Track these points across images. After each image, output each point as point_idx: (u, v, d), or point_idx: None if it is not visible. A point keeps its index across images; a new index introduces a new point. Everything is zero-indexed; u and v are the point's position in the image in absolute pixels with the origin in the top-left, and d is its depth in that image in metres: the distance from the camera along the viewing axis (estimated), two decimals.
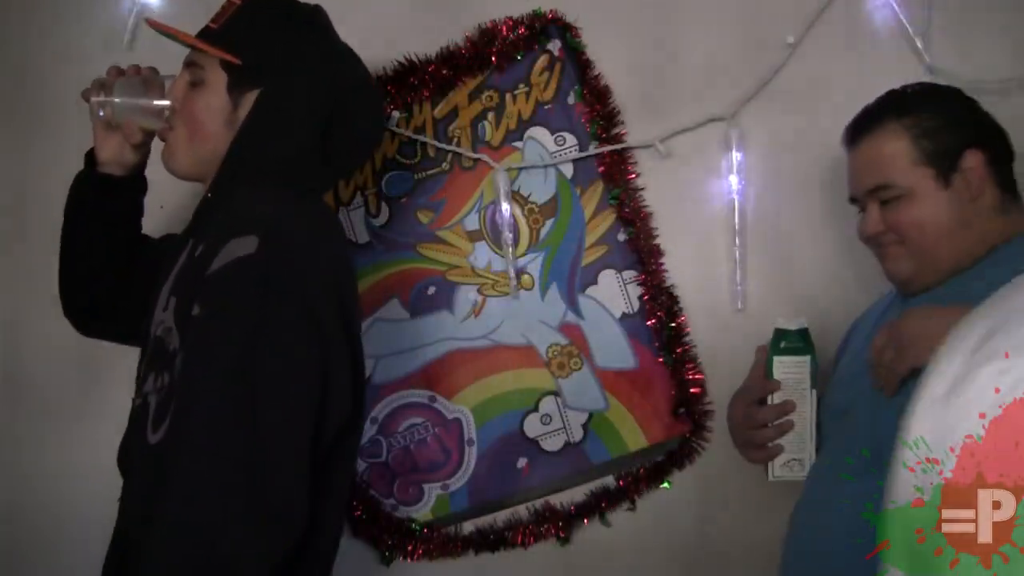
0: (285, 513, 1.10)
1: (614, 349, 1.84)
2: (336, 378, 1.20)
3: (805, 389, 1.46)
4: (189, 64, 1.35)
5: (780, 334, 1.47)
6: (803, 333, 1.47)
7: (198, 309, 1.16)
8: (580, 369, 1.85)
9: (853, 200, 1.47)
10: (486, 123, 1.87)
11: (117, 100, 1.42)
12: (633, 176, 1.84)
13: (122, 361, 1.64)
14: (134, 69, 1.45)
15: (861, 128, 1.42)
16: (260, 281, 1.14)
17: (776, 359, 1.47)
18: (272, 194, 1.26)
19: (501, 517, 1.86)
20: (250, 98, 1.31)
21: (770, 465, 1.47)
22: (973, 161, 1.34)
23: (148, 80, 1.43)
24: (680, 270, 1.83)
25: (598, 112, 1.83)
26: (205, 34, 1.33)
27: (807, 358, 1.45)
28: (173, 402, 1.19)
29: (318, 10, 1.38)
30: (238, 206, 1.24)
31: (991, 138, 1.38)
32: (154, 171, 1.52)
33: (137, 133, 1.43)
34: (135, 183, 1.52)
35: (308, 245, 1.21)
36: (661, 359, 1.82)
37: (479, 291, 1.87)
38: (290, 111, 1.30)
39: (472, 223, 1.88)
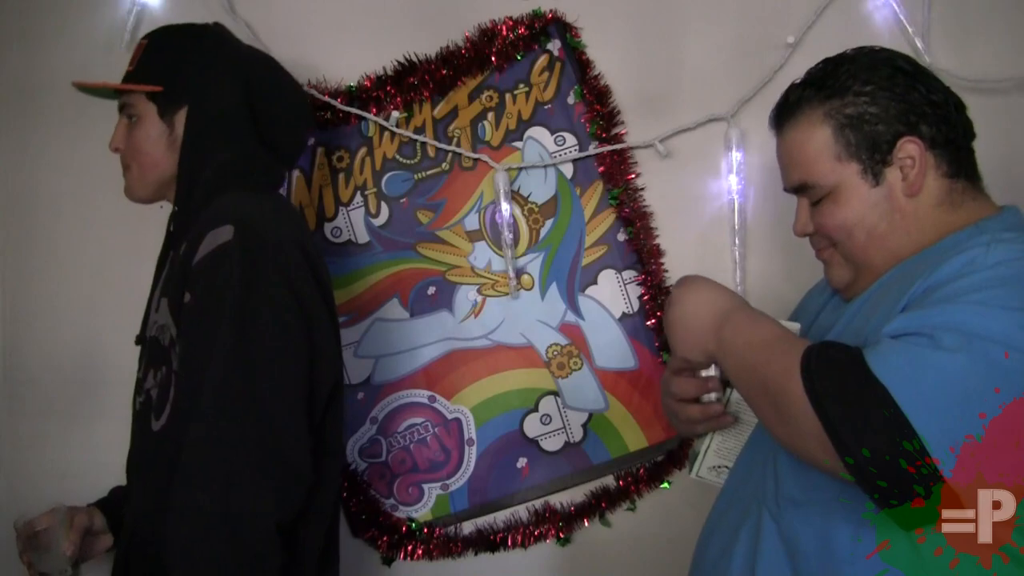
0: (293, 471, 1.23)
1: (614, 349, 1.84)
2: (321, 342, 1.34)
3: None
4: (122, 108, 1.50)
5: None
6: None
7: (189, 296, 1.30)
8: (580, 369, 1.85)
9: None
10: (486, 123, 1.87)
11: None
12: (633, 176, 1.84)
13: (122, 362, 1.64)
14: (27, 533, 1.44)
15: (782, 112, 1.23)
16: (241, 261, 1.27)
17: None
18: (238, 195, 1.40)
19: (501, 517, 1.86)
20: (180, 116, 1.45)
21: (697, 462, 1.33)
22: (910, 150, 1.14)
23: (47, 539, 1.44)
24: (680, 270, 1.83)
25: (598, 112, 1.83)
26: (126, 78, 1.50)
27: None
28: (172, 388, 1.31)
29: (215, 26, 1.55)
30: (212, 209, 1.38)
31: (935, 119, 1.15)
32: None
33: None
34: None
35: (275, 227, 1.35)
36: (661, 359, 1.83)
37: (479, 291, 1.87)
38: (215, 115, 1.44)
39: (472, 223, 1.88)
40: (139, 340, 1.49)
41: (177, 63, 1.46)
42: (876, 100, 1.15)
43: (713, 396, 1.24)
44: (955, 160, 1.16)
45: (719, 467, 1.32)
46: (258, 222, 1.33)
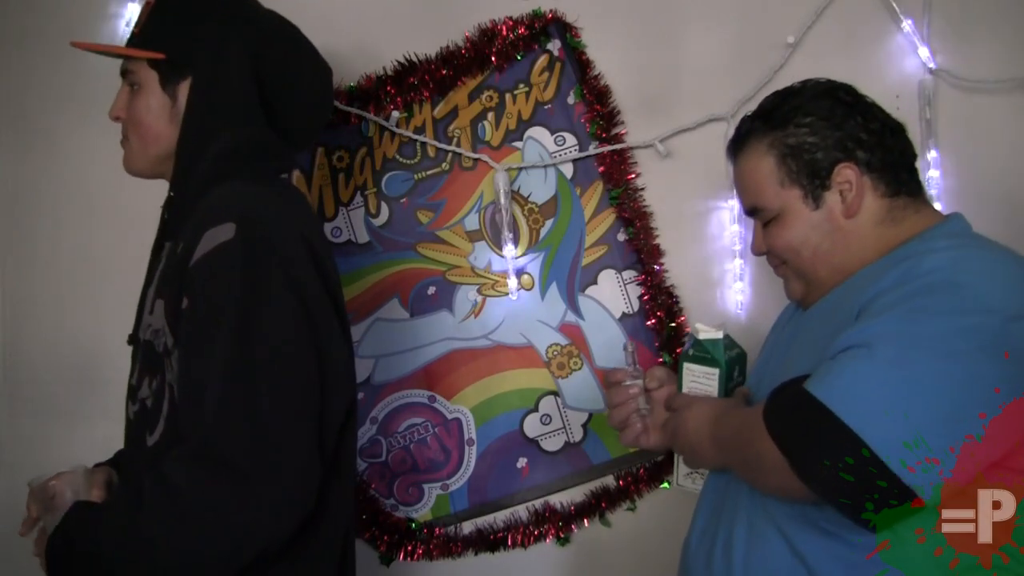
0: (288, 495, 1.12)
1: (614, 349, 1.84)
2: (330, 352, 1.23)
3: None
4: (124, 74, 1.38)
5: (693, 342, 1.39)
6: (715, 343, 1.37)
7: (186, 301, 1.18)
8: (580, 369, 1.85)
9: None
10: (486, 123, 1.87)
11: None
12: (633, 176, 1.84)
13: (122, 362, 1.64)
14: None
15: (734, 143, 1.34)
16: (242, 263, 1.16)
17: (686, 365, 1.39)
18: (240, 185, 1.28)
19: (501, 517, 1.86)
20: (184, 88, 1.33)
21: (675, 473, 1.44)
22: (847, 175, 1.23)
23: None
24: (680, 270, 1.83)
25: (598, 112, 1.83)
26: (129, 41, 1.37)
27: (716, 371, 1.36)
28: (166, 401, 1.22)
29: None
30: (212, 201, 1.26)
31: (870, 145, 1.24)
32: None
33: None
34: None
35: (282, 224, 1.24)
36: (661, 359, 1.83)
37: (479, 291, 1.87)
38: (219, 90, 1.32)
39: (472, 223, 1.88)
40: (131, 340, 1.38)
41: (183, 29, 1.33)
42: (815, 130, 1.25)
43: (641, 402, 1.41)
44: (893, 180, 1.24)
45: (691, 473, 1.41)
46: (262, 218, 1.22)
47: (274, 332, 1.16)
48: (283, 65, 1.37)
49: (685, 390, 1.38)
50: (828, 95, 1.27)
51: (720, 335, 1.39)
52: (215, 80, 1.32)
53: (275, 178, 1.37)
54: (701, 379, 1.38)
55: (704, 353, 1.37)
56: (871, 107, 1.28)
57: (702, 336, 1.38)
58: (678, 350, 1.81)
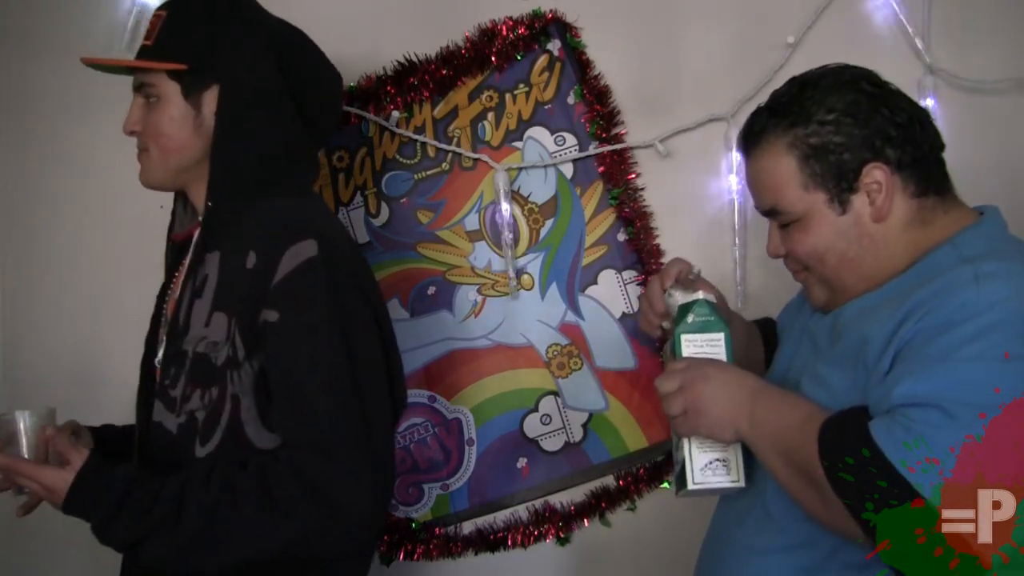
0: (391, 476, 1.27)
1: (614, 349, 1.84)
2: (392, 356, 1.35)
3: None
4: (139, 88, 1.36)
5: (686, 308, 1.23)
6: (715, 306, 1.23)
7: (275, 315, 1.23)
8: (580, 369, 1.85)
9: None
10: (486, 123, 1.87)
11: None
12: (633, 176, 1.84)
13: (122, 361, 1.64)
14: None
15: (748, 139, 1.23)
16: (329, 277, 1.24)
17: (683, 337, 1.21)
18: (294, 200, 1.34)
19: (501, 517, 1.86)
20: (209, 97, 1.33)
21: (688, 471, 1.19)
22: (876, 176, 1.14)
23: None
24: None
25: (598, 112, 1.83)
26: (143, 53, 1.35)
27: (721, 334, 1.21)
28: (225, 414, 1.26)
29: None
30: (278, 216, 1.29)
31: (900, 141, 1.14)
32: None
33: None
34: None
35: (347, 241, 1.35)
36: (661, 360, 1.82)
37: (479, 291, 1.87)
38: (256, 94, 1.32)
39: (472, 223, 1.88)
40: (170, 350, 1.35)
41: (203, 37, 1.32)
42: (840, 128, 1.15)
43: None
44: (923, 178, 1.16)
45: (713, 463, 1.19)
46: (336, 237, 1.30)
47: (366, 344, 1.26)
48: (303, 66, 1.39)
49: None
50: (851, 86, 1.17)
51: (711, 296, 1.24)
52: (245, 85, 1.32)
53: (311, 187, 1.43)
54: (705, 348, 1.21)
55: (706, 316, 1.21)
56: (896, 96, 1.18)
57: (693, 298, 1.23)
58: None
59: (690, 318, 1.22)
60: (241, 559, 1.20)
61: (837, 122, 1.15)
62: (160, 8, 1.37)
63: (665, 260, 1.83)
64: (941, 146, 1.19)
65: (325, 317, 1.22)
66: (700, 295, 1.24)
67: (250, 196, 1.31)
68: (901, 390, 1.01)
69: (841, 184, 1.15)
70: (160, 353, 1.39)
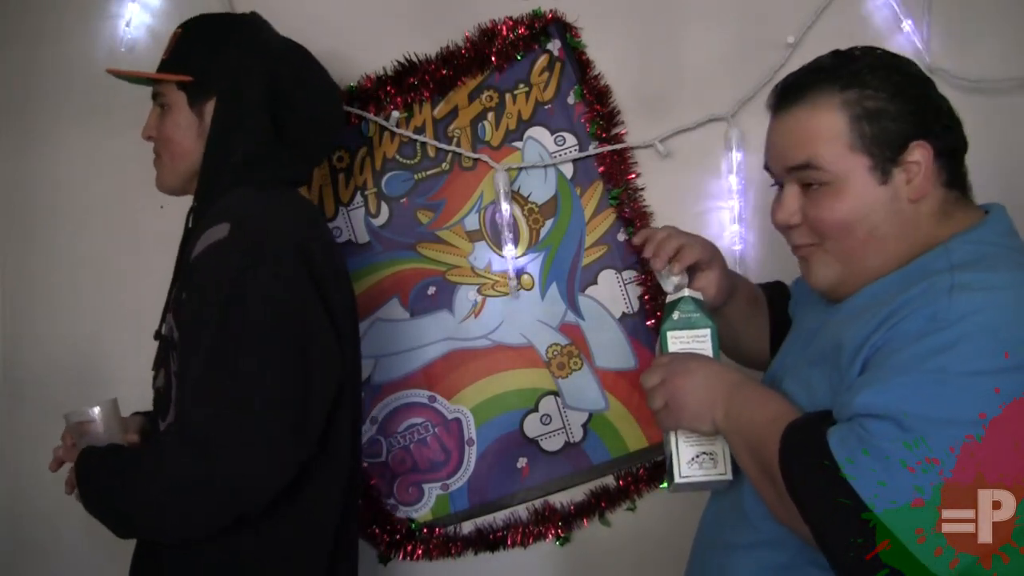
0: (255, 469, 1.25)
1: (614, 349, 1.84)
2: (315, 334, 1.34)
3: None
4: (155, 96, 1.52)
5: (672, 305, 1.25)
6: (700, 303, 1.25)
7: (185, 294, 1.34)
8: (580, 369, 1.85)
9: (768, 169, 1.23)
10: (486, 123, 1.87)
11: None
12: (633, 176, 1.84)
13: (123, 361, 1.64)
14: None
15: (792, 91, 1.17)
16: (234, 257, 1.29)
17: (670, 334, 1.23)
18: (245, 191, 1.41)
19: (501, 517, 1.86)
20: (209, 107, 1.46)
21: (674, 464, 1.21)
22: (919, 155, 1.11)
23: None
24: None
25: (598, 112, 1.83)
26: (161, 66, 1.51)
27: (707, 330, 1.22)
28: (174, 388, 1.34)
29: (251, 15, 1.55)
30: (217, 205, 1.40)
31: (943, 128, 1.13)
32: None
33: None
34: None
35: (275, 225, 1.36)
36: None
37: (479, 291, 1.87)
38: (240, 109, 1.45)
39: (472, 223, 1.88)
40: (156, 336, 1.49)
41: (208, 54, 1.47)
42: (894, 99, 1.12)
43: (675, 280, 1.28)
44: (953, 170, 1.14)
45: (699, 456, 1.20)
46: (255, 219, 1.34)
47: (252, 324, 1.27)
48: (295, 84, 1.50)
49: None
50: (903, 66, 1.15)
51: (696, 293, 1.25)
52: (236, 98, 1.45)
53: (284, 187, 1.49)
54: (691, 344, 1.22)
55: (691, 313, 1.23)
56: (937, 88, 1.16)
57: (678, 295, 1.25)
58: None
59: (676, 315, 1.24)
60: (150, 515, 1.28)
61: (892, 92, 1.12)
62: (179, 26, 1.52)
63: None
64: (967, 147, 1.18)
65: (217, 298, 1.27)
66: (686, 292, 1.26)
67: (221, 191, 1.42)
68: (861, 399, 1.01)
69: (886, 153, 1.11)
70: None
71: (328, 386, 1.35)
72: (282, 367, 1.28)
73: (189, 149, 1.47)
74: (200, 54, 1.47)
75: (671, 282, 1.28)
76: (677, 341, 1.23)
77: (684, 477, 1.20)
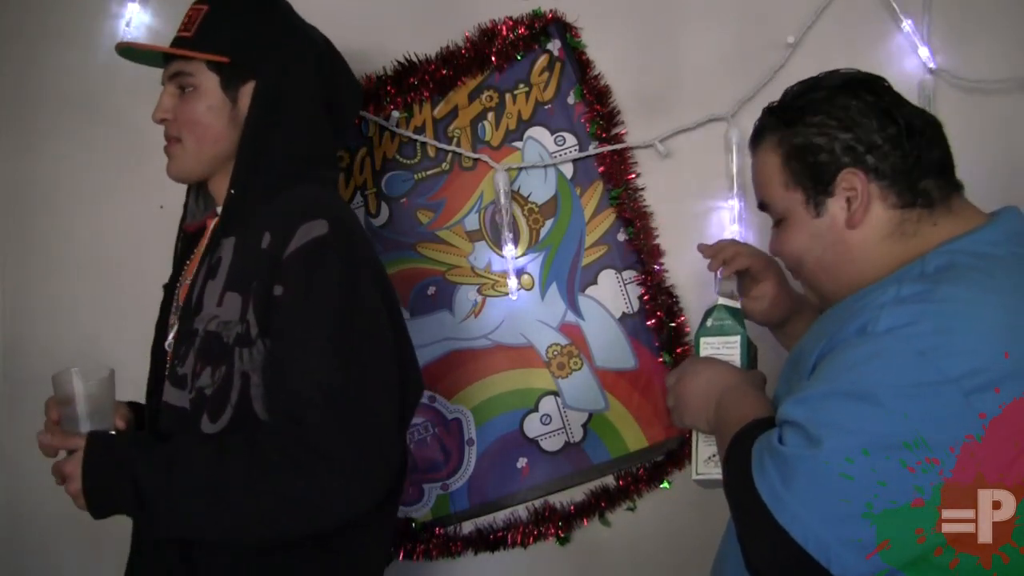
0: (389, 469, 1.24)
1: (614, 349, 1.84)
2: (405, 344, 1.35)
3: None
4: (173, 76, 1.39)
5: (708, 313, 1.33)
6: (734, 311, 1.32)
7: (281, 290, 1.25)
8: (580, 369, 1.85)
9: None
10: (486, 123, 1.87)
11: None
12: (633, 176, 1.84)
13: (123, 361, 1.64)
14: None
15: (754, 135, 1.26)
16: (338, 257, 1.26)
17: (703, 340, 1.31)
18: (317, 190, 1.36)
19: (501, 517, 1.86)
20: (246, 91, 1.37)
21: (694, 461, 1.29)
22: (851, 183, 1.13)
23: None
24: (680, 270, 1.83)
25: (598, 112, 1.83)
26: (182, 43, 1.38)
27: (737, 338, 1.29)
28: (235, 391, 1.27)
29: None
30: (296, 200, 1.32)
31: (883, 151, 1.13)
32: (154, 171, 1.52)
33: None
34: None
35: (360, 229, 1.37)
36: (661, 359, 1.83)
37: (479, 291, 1.87)
38: (290, 92, 1.37)
39: (472, 223, 1.88)
40: (181, 331, 1.37)
41: (246, 35, 1.36)
42: (824, 130, 1.15)
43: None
44: (907, 190, 1.13)
45: (714, 456, 1.26)
46: (349, 221, 1.32)
47: (370, 323, 1.26)
48: (337, 73, 1.45)
49: None
50: (848, 92, 1.17)
51: (731, 302, 1.33)
52: (281, 84, 1.36)
53: (334, 184, 1.46)
54: (721, 351, 1.29)
55: (723, 320, 1.30)
56: (896, 106, 1.17)
57: (721, 302, 1.32)
58: (679, 349, 1.81)
59: (709, 322, 1.32)
60: (236, 515, 1.21)
61: (821, 124, 1.16)
62: (200, 2, 1.39)
63: (665, 260, 1.83)
64: (940, 159, 1.17)
65: (328, 294, 1.24)
66: (720, 300, 1.34)
67: (272, 188, 1.34)
68: (785, 407, 1.04)
69: (817, 186, 1.16)
70: (170, 336, 1.41)
71: (417, 393, 1.38)
72: (393, 372, 1.27)
73: (220, 134, 1.36)
74: (234, 32, 1.36)
75: (722, 288, 1.36)
76: (708, 347, 1.31)
77: (700, 474, 1.29)
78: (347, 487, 1.19)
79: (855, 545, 0.96)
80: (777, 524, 0.97)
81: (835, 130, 1.15)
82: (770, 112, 1.23)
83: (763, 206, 1.26)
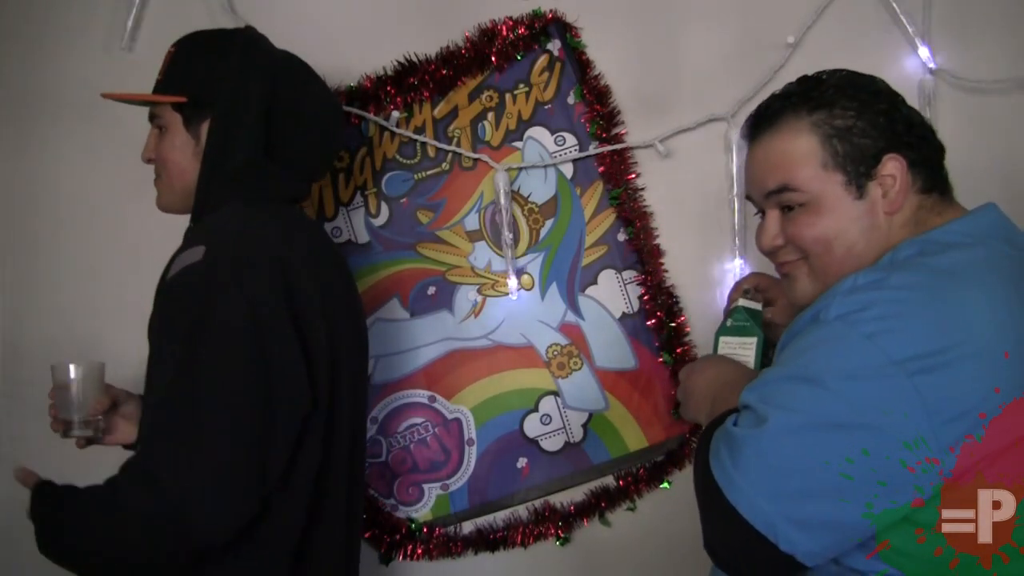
0: (211, 508, 1.19)
1: (614, 349, 1.84)
2: (282, 368, 1.27)
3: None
4: (152, 118, 1.50)
5: (730, 312, 1.35)
6: (753, 313, 1.33)
7: (155, 320, 1.32)
8: (580, 369, 1.85)
9: (749, 198, 1.27)
10: (486, 123, 1.87)
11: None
12: (633, 176, 1.84)
13: (122, 362, 1.64)
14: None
15: (763, 120, 1.20)
16: (202, 284, 1.26)
17: (721, 339, 1.34)
18: (233, 207, 1.38)
19: (501, 517, 1.86)
20: (206, 127, 1.44)
21: None
22: (893, 168, 1.13)
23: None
24: (680, 270, 1.83)
25: (598, 112, 1.83)
26: (156, 87, 1.49)
27: (753, 339, 1.30)
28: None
29: (246, 30, 1.50)
30: (199, 227, 1.39)
31: (916, 139, 1.15)
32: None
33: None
34: None
35: (251, 248, 1.31)
36: (661, 359, 1.83)
37: (479, 291, 1.87)
38: (234, 128, 1.41)
39: (472, 223, 1.88)
40: None
41: (201, 74, 1.44)
42: (862, 115, 1.14)
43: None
44: (930, 177, 1.15)
45: None
46: (232, 242, 1.30)
47: (216, 359, 1.23)
48: (295, 99, 1.46)
49: None
50: (869, 84, 1.18)
51: (759, 307, 1.34)
52: (230, 118, 1.41)
53: (279, 203, 1.45)
54: (737, 351, 1.31)
55: (742, 322, 1.31)
56: (905, 102, 1.19)
57: (742, 303, 1.34)
58: (679, 349, 1.81)
59: (729, 322, 1.34)
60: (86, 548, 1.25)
61: (860, 109, 1.15)
62: (172, 45, 1.49)
63: (665, 260, 1.84)
64: (944, 153, 1.19)
65: (182, 327, 1.24)
66: (741, 302, 1.35)
67: (213, 206, 1.40)
68: (743, 393, 1.07)
69: (860, 168, 1.13)
70: None
71: (292, 423, 1.28)
72: (243, 405, 1.23)
73: (185, 169, 1.44)
74: (191, 74, 1.44)
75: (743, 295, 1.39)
76: (726, 346, 1.33)
77: None
78: (178, 512, 1.17)
79: (800, 524, 0.97)
80: (728, 503, 0.99)
81: (873, 115, 1.14)
82: (785, 97, 1.20)
83: (780, 190, 1.18)
